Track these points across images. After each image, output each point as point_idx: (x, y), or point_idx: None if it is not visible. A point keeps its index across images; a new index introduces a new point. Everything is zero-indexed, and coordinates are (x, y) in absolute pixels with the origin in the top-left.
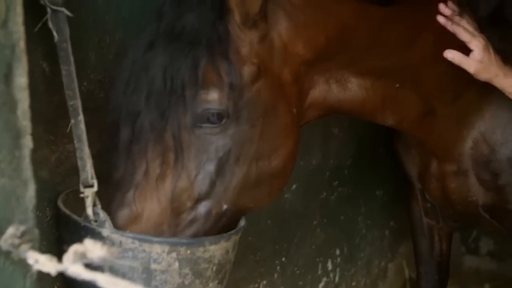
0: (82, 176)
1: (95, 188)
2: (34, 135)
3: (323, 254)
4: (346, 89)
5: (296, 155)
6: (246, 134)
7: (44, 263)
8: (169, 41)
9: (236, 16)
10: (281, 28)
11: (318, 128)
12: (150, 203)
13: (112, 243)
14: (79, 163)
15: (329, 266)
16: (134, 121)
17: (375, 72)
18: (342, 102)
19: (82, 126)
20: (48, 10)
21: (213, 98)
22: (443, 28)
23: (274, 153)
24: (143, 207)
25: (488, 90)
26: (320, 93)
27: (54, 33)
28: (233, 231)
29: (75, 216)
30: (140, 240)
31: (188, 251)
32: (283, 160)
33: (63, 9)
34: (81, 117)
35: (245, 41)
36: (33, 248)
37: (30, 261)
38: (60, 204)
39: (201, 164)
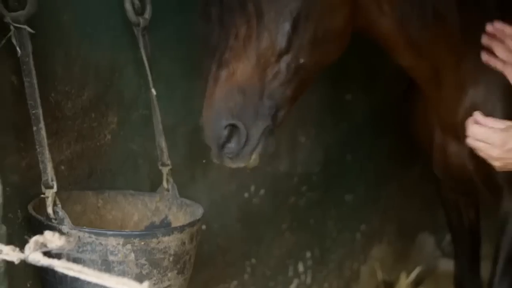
0: (43, 178)
1: (55, 189)
2: (5, 142)
3: (293, 256)
4: (382, 12)
5: (350, 26)
6: None
7: (7, 252)
8: None
9: None
10: None
11: (284, 135)
12: (242, 61)
13: (71, 238)
14: (41, 166)
15: (300, 268)
16: None
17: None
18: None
19: (43, 132)
20: (12, 27)
21: None
22: None
23: (335, 15)
24: (237, 66)
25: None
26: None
27: (18, 49)
28: (186, 224)
29: (38, 216)
30: (95, 234)
31: (142, 243)
32: (342, 22)
33: (25, 26)
34: (42, 124)
35: None
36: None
37: None
38: (29, 206)
39: (279, 24)
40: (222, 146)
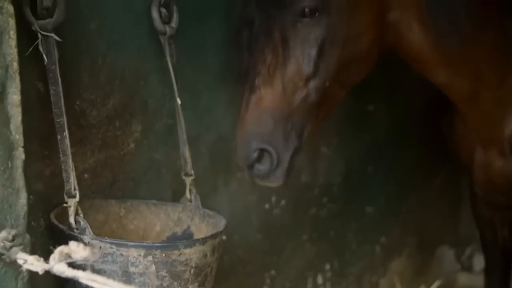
0: (66, 187)
1: (77, 199)
2: (30, 150)
3: (313, 268)
4: (412, 30)
5: (377, 47)
6: (336, 24)
7: (32, 262)
8: None
9: None
10: None
11: (306, 146)
12: (271, 87)
13: (93, 248)
14: (64, 175)
15: (319, 280)
16: (251, 26)
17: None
18: (404, 41)
19: (67, 141)
20: (39, 35)
21: None
22: None
23: (360, 39)
24: (266, 91)
25: None
26: (393, 18)
27: (44, 57)
28: (208, 236)
29: (60, 225)
30: (116, 244)
31: (163, 254)
32: (367, 45)
33: (52, 34)
34: (66, 133)
35: None
36: (23, 251)
37: (20, 261)
38: (51, 215)
39: (305, 51)
40: (251, 167)
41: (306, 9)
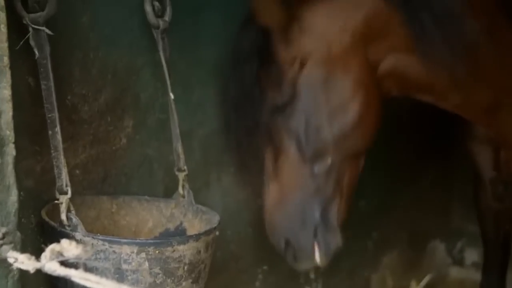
0: (58, 184)
1: (69, 195)
2: (20, 146)
3: None
4: (414, 69)
5: (373, 106)
6: (312, 103)
7: (22, 261)
8: (237, 63)
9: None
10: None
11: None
12: (273, 181)
13: (85, 246)
14: (56, 171)
15: (312, 275)
16: (235, 130)
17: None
18: (411, 80)
19: (59, 137)
20: (30, 29)
21: (272, 95)
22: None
23: (346, 109)
24: (271, 186)
25: None
26: (388, 66)
27: (35, 51)
28: (202, 232)
29: (51, 222)
30: (109, 241)
31: (157, 251)
32: (360, 108)
33: (44, 28)
34: (58, 129)
35: (284, 43)
36: (14, 249)
37: (10, 259)
38: (42, 212)
39: (292, 140)
40: (284, 254)
41: (277, 104)
